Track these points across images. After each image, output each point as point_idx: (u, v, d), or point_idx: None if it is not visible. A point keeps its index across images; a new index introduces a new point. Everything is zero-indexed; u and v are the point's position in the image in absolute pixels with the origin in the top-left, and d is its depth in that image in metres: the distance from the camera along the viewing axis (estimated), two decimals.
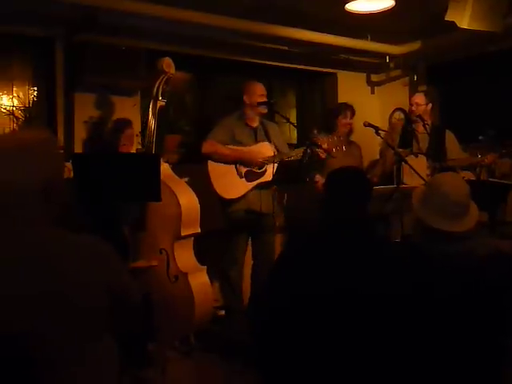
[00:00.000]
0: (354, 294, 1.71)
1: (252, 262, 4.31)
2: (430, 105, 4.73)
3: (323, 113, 5.48)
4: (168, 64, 3.59)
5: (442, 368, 1.70)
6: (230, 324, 4.14)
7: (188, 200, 3.58)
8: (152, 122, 3.50)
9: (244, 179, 4.09)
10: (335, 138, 4.08)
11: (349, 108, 4.71)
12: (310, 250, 1.93)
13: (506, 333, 1.82)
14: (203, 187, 4.25)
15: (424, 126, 4.67)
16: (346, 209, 2.03)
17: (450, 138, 4.69)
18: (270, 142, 4.19)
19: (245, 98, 4.18)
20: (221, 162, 4.09)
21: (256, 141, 4.18)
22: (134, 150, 4.20)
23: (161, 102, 3.55)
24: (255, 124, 4.22)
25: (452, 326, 1.72)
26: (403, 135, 4.58)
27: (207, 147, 4.11)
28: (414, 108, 4.66)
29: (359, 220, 2.00)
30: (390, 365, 1.67)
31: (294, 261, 1.95)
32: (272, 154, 4.09)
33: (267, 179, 4.09)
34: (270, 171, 4.06)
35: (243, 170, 4.12)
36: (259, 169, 4.09)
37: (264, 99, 4.16)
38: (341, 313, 1.71)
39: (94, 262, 1.52)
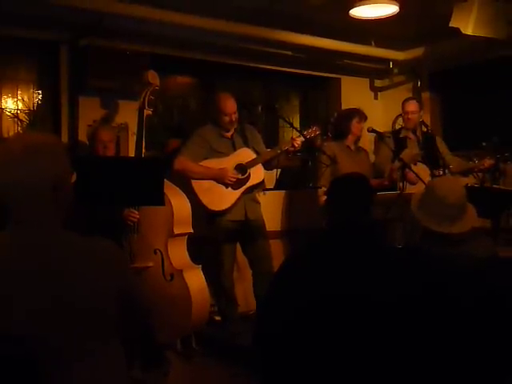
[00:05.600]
0: (360, 299, 1.71)
1: (251, 272, 4.24)
2: (423, 111, 4.77)
3: (335, 118, 5.38)
4: (153, 76, 3.85)
5: (444, 369, 1.70)
6: (228, 329, 4.09)
7: (179, 201, 3.63)
8: (141, 129, 3.69)
9: (230, 188, 4.05)
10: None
11: (361, 113, 4.70)
12: (314, 256, 1.93)
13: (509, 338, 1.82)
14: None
15: (427, 131, 4.68)
16: (349, 214, 2.03)
17: (440, 143, 4.73)
18: (248, 147, 4.17)
19: (220, 108, 4.11)
20: (194, 179, 4.01)
21: (234, 150, 4.15)
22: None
23: (147, 111, 3.77)
24: (230, 133, 4.18)
25: (456, 329, 1.72)
26: (396, 144, 4.56)
27: (178, 164, 4.02)
28: (410, 116, 4.66)
29: (363, 225, 2.00)
30: (398, 371, 1.66)
31: (297, 266, 1.94)
32: (253, 158, 4.08)
33: (254, 183, 4.08)
34: (254, 175, 4.06)
35: None
36: (242, 175, 4.07)
37: (235, 113, 4.11)
38: (347, 318, 1.71)
39: (105, 267, 1.50)
